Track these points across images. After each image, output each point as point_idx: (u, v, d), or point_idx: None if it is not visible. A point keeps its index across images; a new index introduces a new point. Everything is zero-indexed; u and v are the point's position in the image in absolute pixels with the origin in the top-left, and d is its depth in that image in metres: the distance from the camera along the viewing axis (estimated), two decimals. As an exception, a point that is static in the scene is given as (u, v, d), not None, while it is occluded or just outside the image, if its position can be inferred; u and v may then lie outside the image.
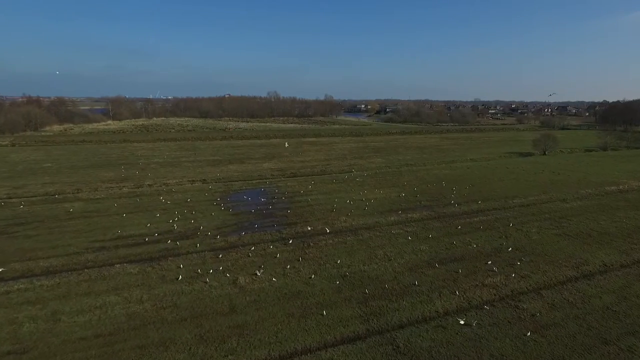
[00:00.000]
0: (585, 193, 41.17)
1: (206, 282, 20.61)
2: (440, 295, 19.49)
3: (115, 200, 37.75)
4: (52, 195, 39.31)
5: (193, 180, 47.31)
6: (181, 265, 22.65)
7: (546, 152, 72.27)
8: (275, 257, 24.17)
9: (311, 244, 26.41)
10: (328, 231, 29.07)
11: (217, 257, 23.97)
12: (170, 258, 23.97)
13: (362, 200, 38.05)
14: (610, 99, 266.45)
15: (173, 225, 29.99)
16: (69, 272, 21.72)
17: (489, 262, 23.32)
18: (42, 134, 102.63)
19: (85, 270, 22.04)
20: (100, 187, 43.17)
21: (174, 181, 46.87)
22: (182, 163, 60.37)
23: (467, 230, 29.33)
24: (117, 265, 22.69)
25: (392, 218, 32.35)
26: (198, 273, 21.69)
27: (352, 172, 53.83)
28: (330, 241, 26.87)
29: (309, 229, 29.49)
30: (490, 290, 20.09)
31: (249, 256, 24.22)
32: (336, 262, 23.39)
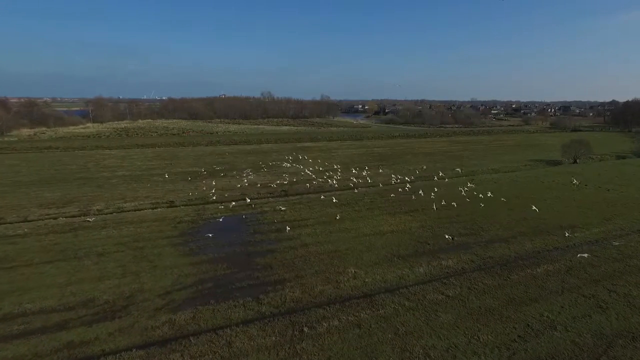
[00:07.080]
0: (661, 221, 31.82)
1: None
2: None
3: (41, 237, 27.84)
4: (-41, 230, 29.32)
5: (157, 203, 37.37)
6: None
7: (577, 160, 63.04)
8: (245, 363, 14.49)
9: (305, 328, 16.71)
10: (331, 297, 19.47)
11: (147, 367, 14.25)
12: (66, 369, 14.21)
13: (374, 234, 28.51)
14: (610, 98, 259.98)
15: (100, 289, 20.17)
16: None
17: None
18: (7, 139, 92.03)
19: None
20: (32, 215, 33.21)
21: (133, 204, 36.94)
22: (152, 177, 50.40)
23: (537, 294, 19.82)
24: (-39, 396, 12.86)
25: (421, 269, 22.76)
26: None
27: (357, 189, 44.12)
28: (336, 322, 17.20)
29: (302, 293, 19.82)
30: None
31: (200, 364, 14.49)
32: (347, 379, 13.75)
